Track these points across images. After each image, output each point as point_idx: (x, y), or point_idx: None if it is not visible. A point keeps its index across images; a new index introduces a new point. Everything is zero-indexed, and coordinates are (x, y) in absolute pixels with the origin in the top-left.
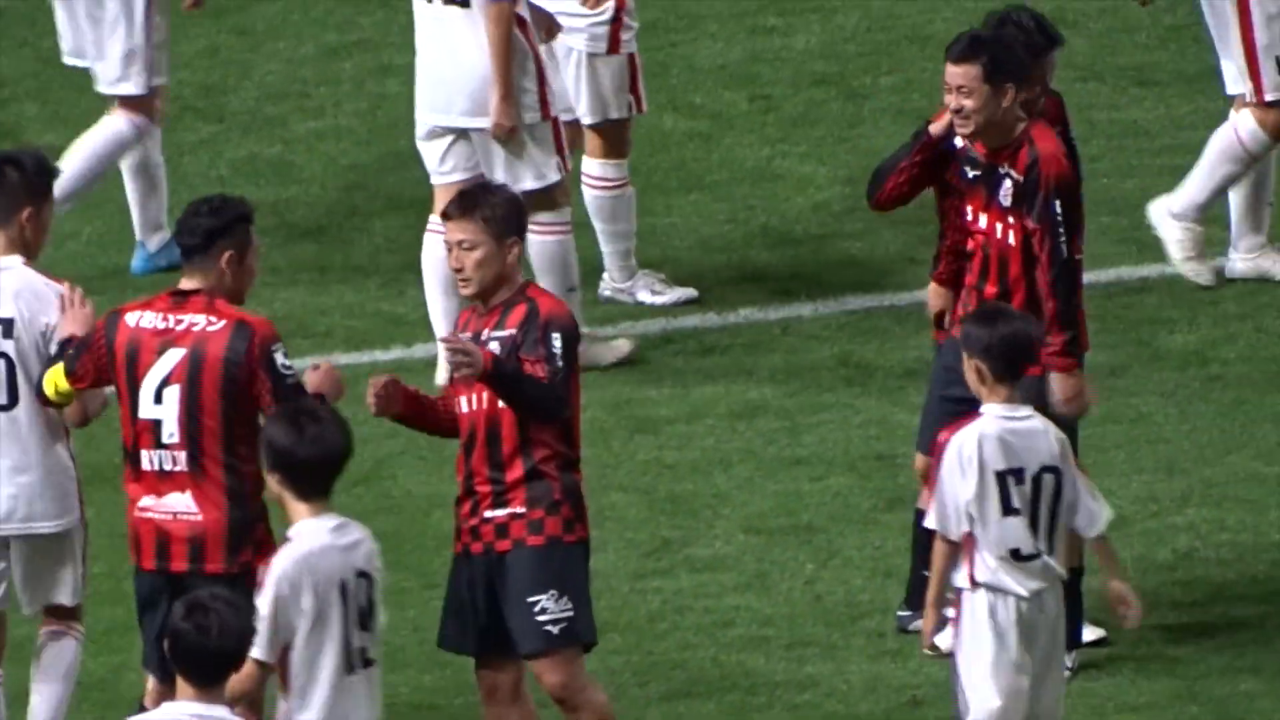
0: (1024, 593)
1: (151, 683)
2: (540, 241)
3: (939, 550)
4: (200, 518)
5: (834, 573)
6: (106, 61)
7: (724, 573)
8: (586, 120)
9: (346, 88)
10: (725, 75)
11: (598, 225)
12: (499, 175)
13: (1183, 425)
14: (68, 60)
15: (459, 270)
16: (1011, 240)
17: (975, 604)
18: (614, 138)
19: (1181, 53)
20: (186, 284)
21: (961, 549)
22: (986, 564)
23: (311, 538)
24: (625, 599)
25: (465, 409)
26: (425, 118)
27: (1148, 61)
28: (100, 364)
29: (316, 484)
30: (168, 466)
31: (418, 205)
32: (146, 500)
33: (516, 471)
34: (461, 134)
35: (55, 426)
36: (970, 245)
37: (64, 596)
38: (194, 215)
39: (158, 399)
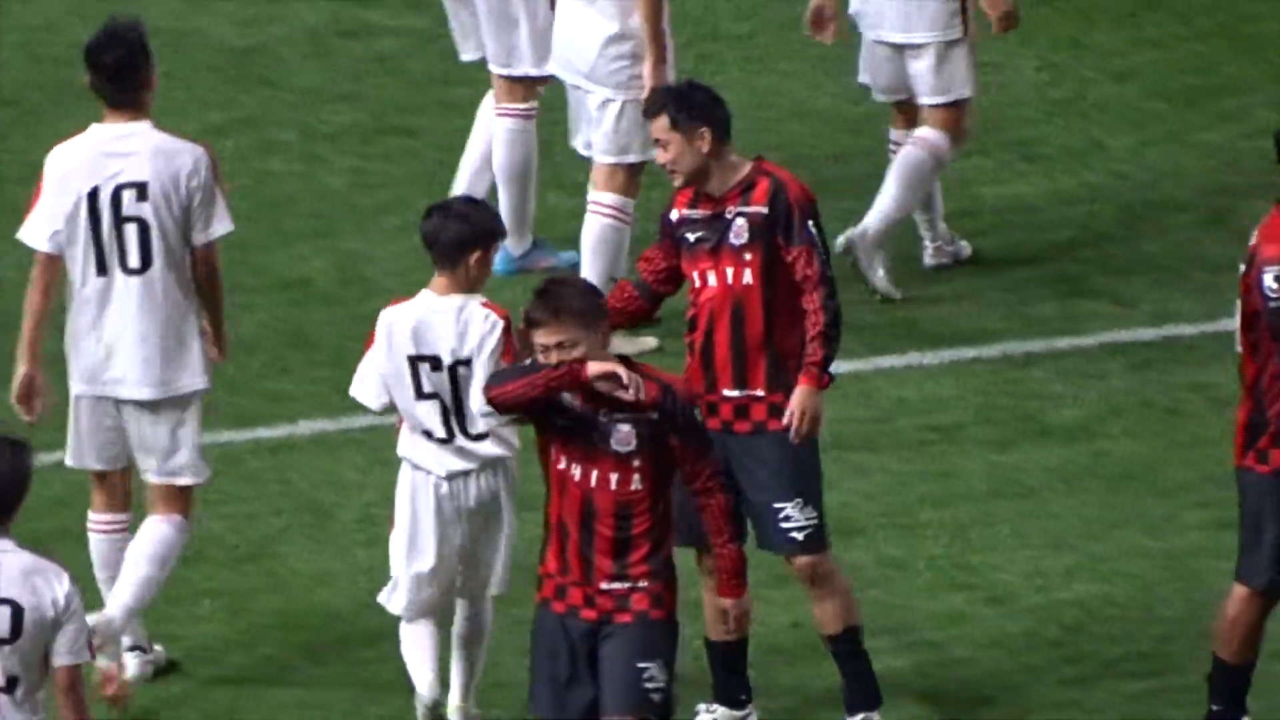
0: (441, 473)
1: None
2: (599, 223)
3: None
4: None
5: None
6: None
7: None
8: (608, 159)
9: (230, 165)
10: None
11: (586, 251)
12: (598, 142)
13: (1070, 500)
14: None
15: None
16: (747, 279)
17: (401, 476)
18: (627, 178)
19: (1067, 127)
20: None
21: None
22: (405, 439)
23: None
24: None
25: (577, 477)
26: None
27: (1032, 136)
28: None
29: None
30: None
31: (301, 284)
32: None
33: (642, 549)
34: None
35: (188, 292)
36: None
37: (183, 472)
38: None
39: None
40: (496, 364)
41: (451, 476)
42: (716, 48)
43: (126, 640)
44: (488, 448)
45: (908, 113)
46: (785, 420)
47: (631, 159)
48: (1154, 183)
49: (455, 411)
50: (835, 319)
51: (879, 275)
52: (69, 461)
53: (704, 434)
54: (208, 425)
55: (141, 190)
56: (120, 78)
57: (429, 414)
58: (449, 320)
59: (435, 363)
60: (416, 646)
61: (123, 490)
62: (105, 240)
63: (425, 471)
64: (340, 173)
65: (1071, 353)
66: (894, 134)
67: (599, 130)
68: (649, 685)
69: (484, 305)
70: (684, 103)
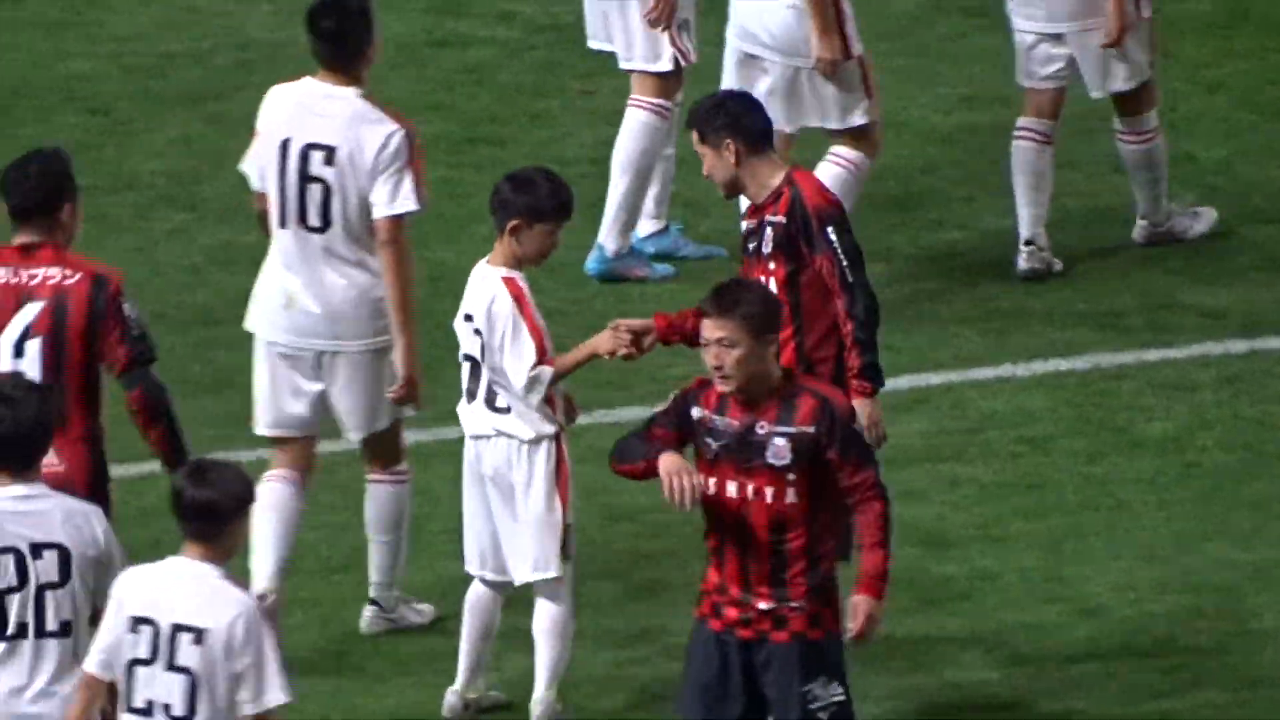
0: (467, 433)
1: None
2: (830, 170)
3: None
4: (62, 468)
5: None
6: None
7: None
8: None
9: None
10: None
11: None
12: (830, 112)
13: (1160, 512)
14: (591, 44)
15: (718, 367)
16: (773, 287)
17: None
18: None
19: None
20: (25, 238)
21: None
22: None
23: (164, 568)
24: (602, 686)
25: (733, 492)
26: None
27: None
28: None
29: (193, 528)
30: None
31: None
32: None
33: (798, 564)
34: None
35: (369, 250)
36: None
37: (380, 422)
38: (23, 179)
39: (18, 352)
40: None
41: (475, 438)
42: None
43: None
44: (500, 420)
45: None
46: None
47: (856, 120)
48: (1244, 194)
49: (473, 374)
50: (864, 323)
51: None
52: (259, 429)
53: (863, 446)
54: None
55: (329, 154)
56: (334, 41)
57: (464, 373)
58: (474, 284)
59: (469, 319)
60: (461, 633)
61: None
62: (288, 193)
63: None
64: (430, 183)
65: (1162, 365)
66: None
67: (822, 102)
68: (814, 706)
69: (488, 263)
70: (709, 117)
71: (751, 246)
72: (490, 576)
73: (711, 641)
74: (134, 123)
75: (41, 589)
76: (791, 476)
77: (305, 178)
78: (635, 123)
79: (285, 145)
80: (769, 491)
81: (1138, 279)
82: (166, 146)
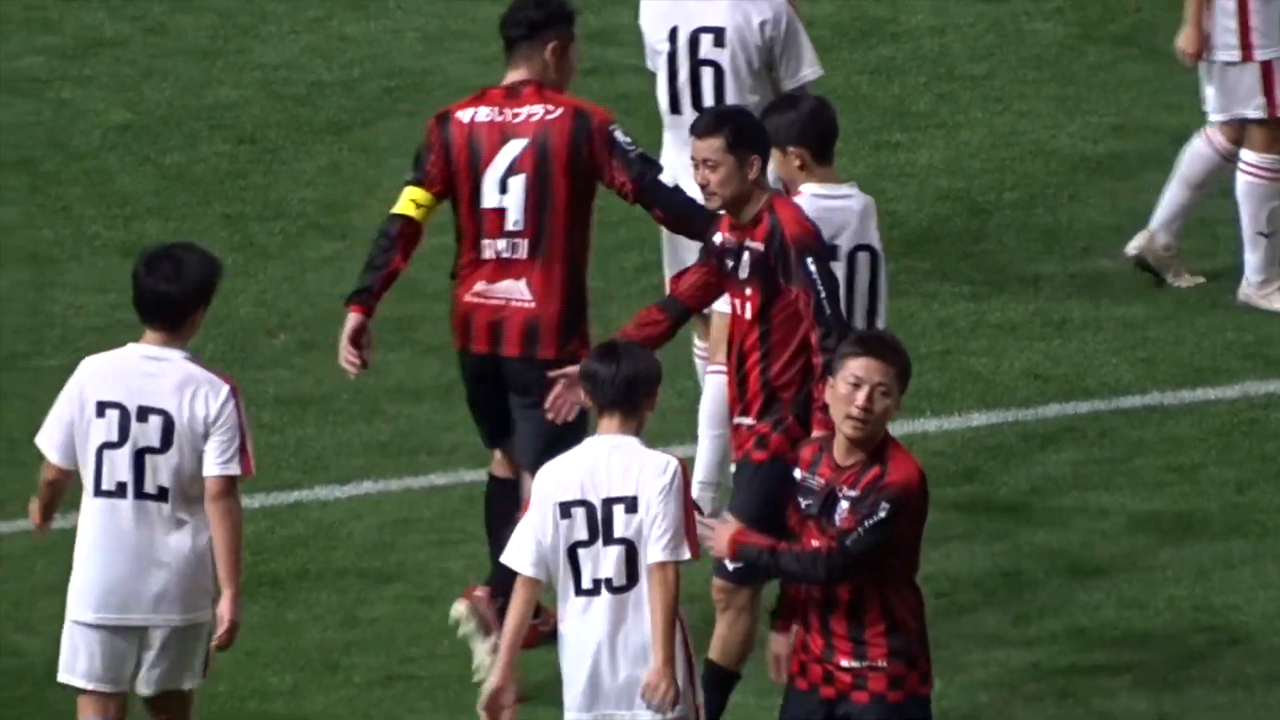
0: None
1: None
2: (1242, 181)
3: None
4: (534, 306)
5: (960, 690)
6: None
7: None
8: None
9: None
10: None
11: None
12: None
13: None
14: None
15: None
16: (748, 312)
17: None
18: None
19: None
20: (513, 76)
21: None
22: None
23: (585, 450)
24: (752, 715)
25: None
26: None
27: None
28: (442, 165)
29: (608, 401)
30: (508, 254)
31: None
32: (480, 286)
33: (879, 625)
34: None
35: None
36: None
37: None
38: (520, 9)
39: (503, 189)
40: None
41: None
42: (953, 88)
43: None
44: None
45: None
46: None
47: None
48: None
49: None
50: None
51: (1181, 277)
52: None
53: (882, 511)
54: (448, 465)
55: (718, 36)
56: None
57: None
58: None
59: (833, 253)
60: None
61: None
62: (681, 82)
63: None
64: None
65: None
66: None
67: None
68: None
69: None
70: (745, 127)
71: (729, 265)
72: None
73: (799, 699)
74: (282, 151)
75: (140, 452)
76: None
77: (697, 63)
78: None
79: (673, 34)
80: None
81: None
82: (315, 175)
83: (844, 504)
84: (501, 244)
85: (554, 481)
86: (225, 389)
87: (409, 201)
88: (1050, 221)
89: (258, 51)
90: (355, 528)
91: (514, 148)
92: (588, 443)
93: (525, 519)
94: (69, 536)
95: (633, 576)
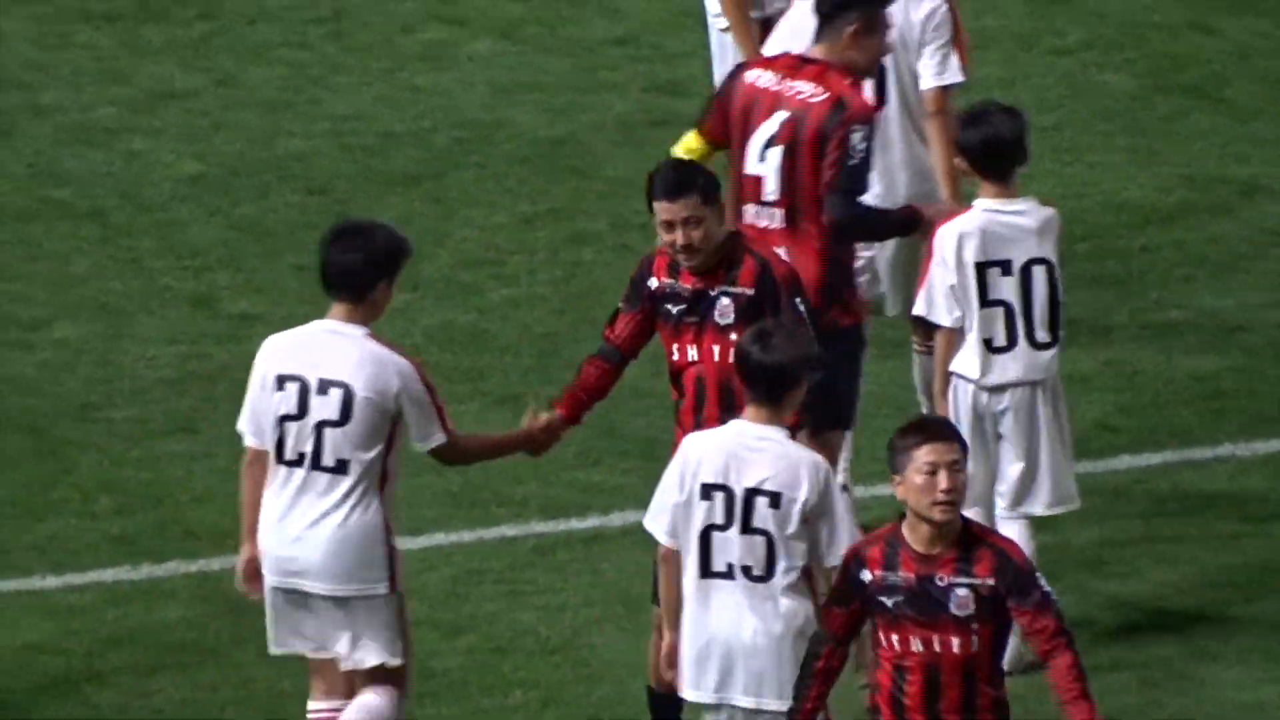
0: (987, 383)
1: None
2: None
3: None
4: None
5: None
6: None
7: None
8: None
9: (541, 256)
10: None
11: None
12: None
13: None
14: None
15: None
16: (732, 357)
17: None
18: None
19: None
20: (813, 51)
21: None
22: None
23: (730, 434)
24: None
25: (919, 649)
26: None
27: None
28: (720, 117)
29: (751, 390)
30: (765, 223)
31: None
32: None
33: (987, 711)
34: None
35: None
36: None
37: None
38: None
39: (762, 157)
40: None
41: (995, 388)
42: None
43: None
44: (1051, 358)
45: None
46: None
47: None
48: None
49: (1024, 316)
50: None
51: None
52: None
53: (1043, 591)
54: (519, 516)
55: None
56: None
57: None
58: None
59: (1005, 267)
60: None
61: None
62: None
63: (967, 380)
64: None
65: None
66: None
67: None
68: None
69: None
70: (708, 177)
71: (692, 314)
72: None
73: None
74: (352, 202)
75: (319, 424)
76: (975, 626)
77: None
78: None
79: None
80: (955, 643)
81: None
82: None
83: (960, 592)
84: (760, 211)
85: (699, 459)
86: (407, 364)
87: (684, 145)
88: (1121, 272)
89: (328, 102)
90: (427, 579)
91: (778, 119)
92: (736, 426)
93: (665, 486)
94: (139, 588)
95: (770, 569)
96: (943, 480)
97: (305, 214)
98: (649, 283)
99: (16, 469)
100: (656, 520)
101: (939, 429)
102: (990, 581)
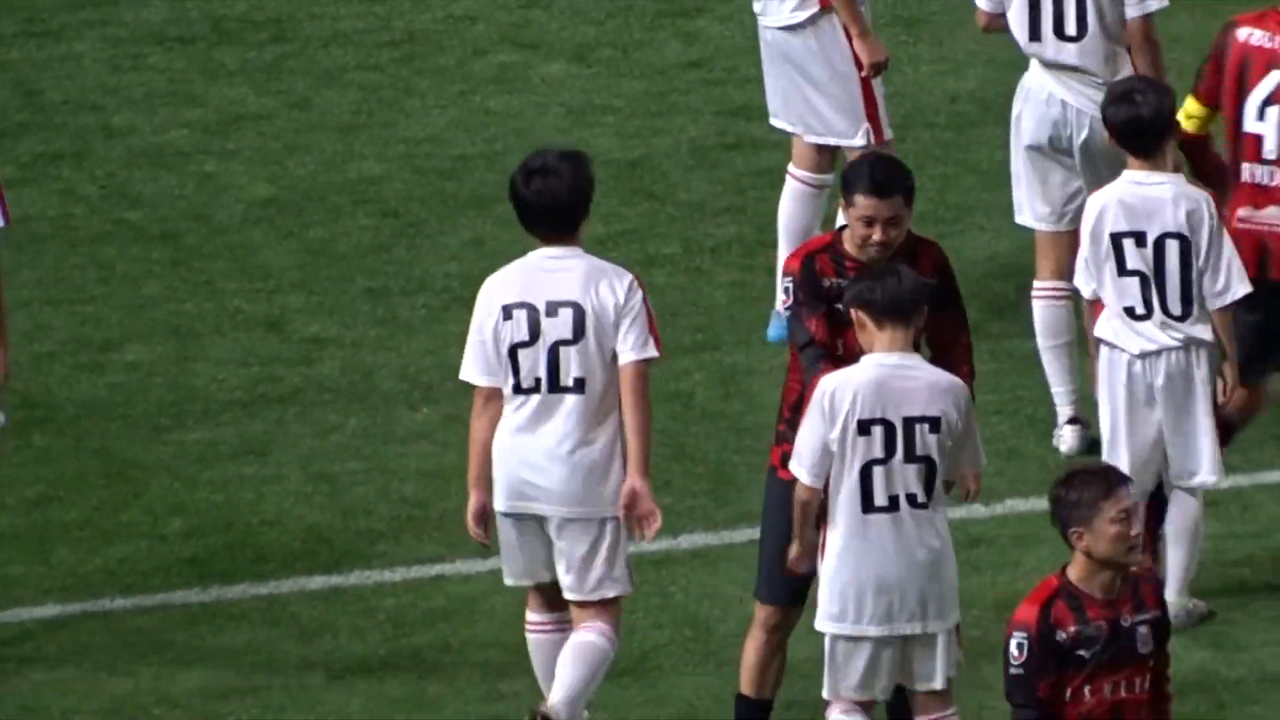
0: (1135, 351)
1: None
2: None
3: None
4: None
5: None
6: None
7: None
8: None
9: None
10: (994, 266)
11: None
12: None
13: None
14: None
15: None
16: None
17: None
18: None
19: None
20: None
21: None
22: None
23: (869, 368)
24: None
25: (1108, 692)
26: None
27: None
28: (1214, 76)
29: (887, 317)
30: (1264, 181)
31: (683, 397)
32: (1243, 212)
33: None
34: None
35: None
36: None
37: None
38: None
39: (1261, 115)
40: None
41: (1144, 355)
42: None
43: None
44: (1188, 328)
45: None
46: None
47: None
48: None
49: (1157, 287)
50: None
51: None
52: None
53: (1169, 631)
54: None
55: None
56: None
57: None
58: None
59: (1140, 238)
60: None
61: None
62: (1044, 9)
63: (1120, 350)
64: (723, 286)
65: None
66: None
67: None
68: None
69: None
70: (913, 179)
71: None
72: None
73: None
74: (425, 225)
75: (554, 345)
76: (1151, 662)
77: None
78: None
79: None
80: (1138, 681)
81: None
82: (459, 249)
83: (1142, 630)
84: (1259, 170)
85: (846, 398)
86: (629, 276)
87: (1184, 112)
88: None
89: (401, 125)
90: (497, 601)
91: (1276, 77)
92: (873, 359)
93: (811, 428)
94: (209, 610)
95: (930, 492)
96: (1135, 526)
97: (377, 237)
98: (822, 282)
99: (88, 491)
100: (801, 463)
101: (1114, 478)
102: (1159, 613)
